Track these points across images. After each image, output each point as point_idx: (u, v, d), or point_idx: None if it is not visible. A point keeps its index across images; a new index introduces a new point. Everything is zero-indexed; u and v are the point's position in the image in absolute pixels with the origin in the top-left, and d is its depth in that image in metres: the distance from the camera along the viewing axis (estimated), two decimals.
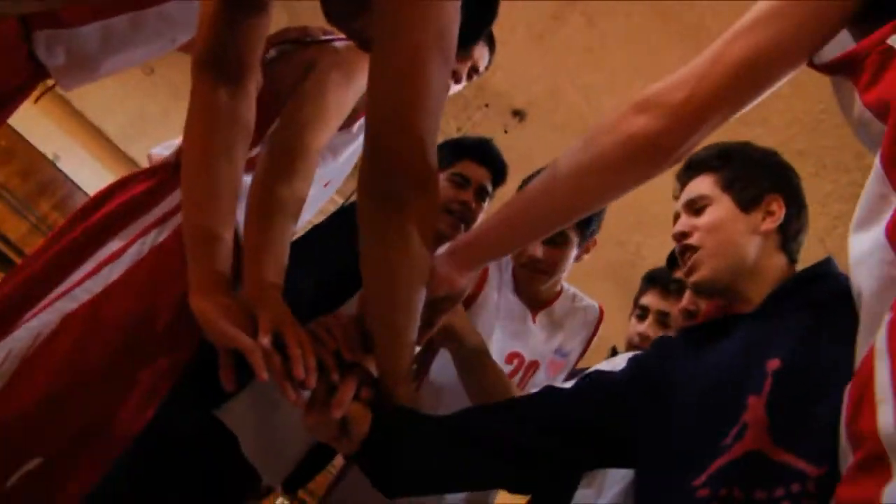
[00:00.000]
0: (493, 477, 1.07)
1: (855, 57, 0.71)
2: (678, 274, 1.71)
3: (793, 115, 2.97)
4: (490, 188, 1.68)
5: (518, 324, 1.63)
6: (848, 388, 0.54)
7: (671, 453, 0.96)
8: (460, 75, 1.64)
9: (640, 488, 1.03)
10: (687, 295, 1.74)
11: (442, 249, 1.02)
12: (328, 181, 1.37)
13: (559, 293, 1.71)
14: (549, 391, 1.09)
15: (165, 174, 1.22)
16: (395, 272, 0.91)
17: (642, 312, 1.73)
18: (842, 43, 0.78)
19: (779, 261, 1.07)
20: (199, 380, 1.12)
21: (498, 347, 1.56)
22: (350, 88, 1.20)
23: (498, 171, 1.69)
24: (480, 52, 1.66)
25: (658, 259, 4.03)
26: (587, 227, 1.54)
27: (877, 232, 0.60)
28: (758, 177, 1.10)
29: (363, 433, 0.96)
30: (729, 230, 1.07)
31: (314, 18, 1.11)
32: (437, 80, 0.82)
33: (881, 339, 0.50)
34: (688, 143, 0.84)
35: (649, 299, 1.73)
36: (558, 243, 1.52)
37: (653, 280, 1.74)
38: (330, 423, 0.94)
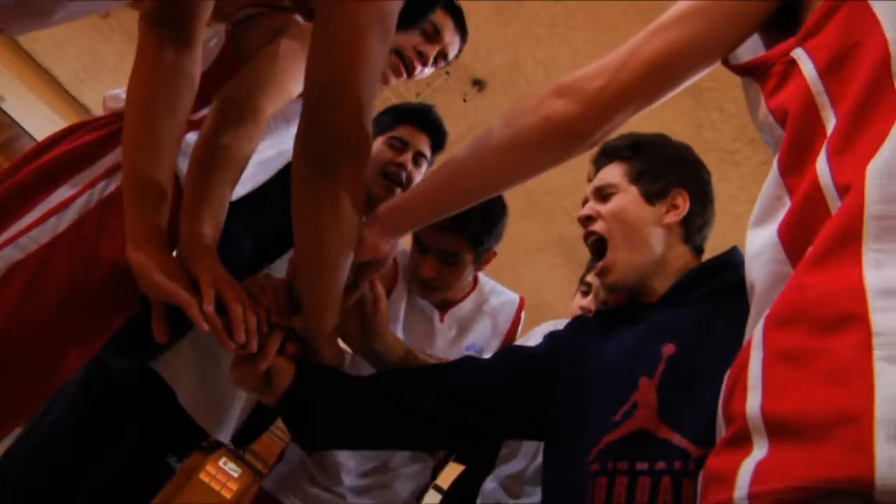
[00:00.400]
0: (408, 438, 1.11)
1: (763, 63, 0.75)
2: (589, 277, 1.77)
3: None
4: (428, 154, 1.70)
5: (426, 324, 1.64)
6: (728, 373, 0.59)
7: (572, 430, 1.01)
8: (427, 58, 1.60)
9: (545, 462, 1.08)
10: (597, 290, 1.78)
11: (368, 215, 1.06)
12: (281, 149, 1.38)
13: (470, 291, 1.71)
14: (468, 361, 1.13)
15: (117, 123, 1.20)
16: (324, 235, 0.94)
17: (587, 289, 1.80)
18: (755, 45, 0.83)
19: (682, 253, 1.11)
20: (135, 331, 1.13)
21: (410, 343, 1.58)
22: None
23: (437, 138, 1.71)
24: (451, 38, 1.62)
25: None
26: (480, 247, 1.53)
27: (770, 230, 0.64)
28: (666, 170, 1.14)
29: (285, 385, 1.00)
30: (632, 220, 1.10)
31: None
32: (376, 53, 0.85)
33: (758, 332, 0.54)
34: (601, 130, 0.89)
35: (591, 277, 1.78)
36: (450, 263, 1.53)
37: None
38: (255, 374, 0.98)
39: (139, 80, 1.06)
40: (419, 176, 1.67)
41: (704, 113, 3.35)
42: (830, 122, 0.62)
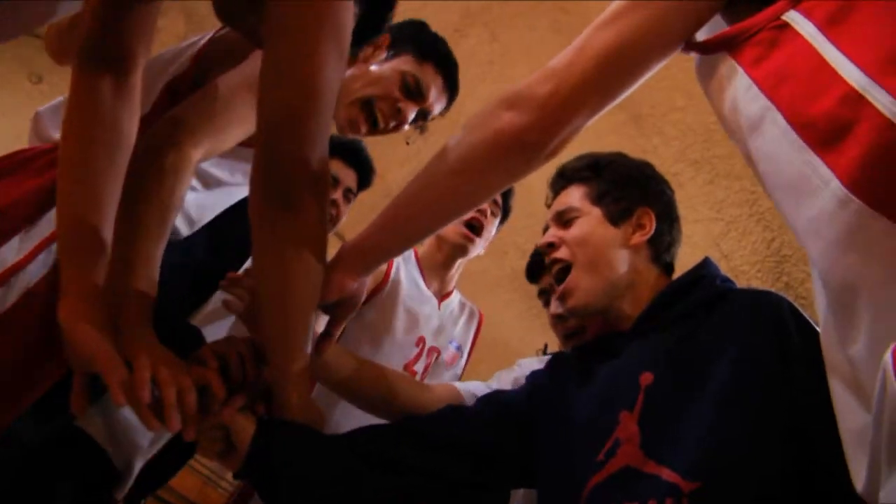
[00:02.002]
0: (392, 499, 1.03)
1: (743, 32, 0.70)
2: (553, 310, 1.76)
3: (687, 126, 3.09)
4: (355, 190, 1.69)
5: (427, 309, 1.69)
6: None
7: (558, 474, 0.96)
8: (405, 116, 1.40)
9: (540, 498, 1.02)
10: (553, 302, 1.78)
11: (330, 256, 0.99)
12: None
13: (453, 289, 1.80)
14: (451, 411, 1.07)
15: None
16: (289, 274, 0.88)
17: (545, 297, 1.79)
18: (715, 25, 0.79)
19: (651, 274, 1.06)
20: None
21: (404, 332, 1.62)
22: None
23: (365, 174, 1.71)
24: (438, 98, 1.46)
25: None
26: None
27: (824, 200, 0.57)
28: (629, 189, 1.09)
29: (246, 446, 0.91)
30: (598, 244, 1.05)
31: (214, 21, 1.04)
32: (331, 81, 0.80)
33: None
34: (557, 138, 0.83)
35: (544, 284, 1.79)
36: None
37: (531, 276, 1.78)
38: (213, 436, 0.90)
39: (74, 120, 0.96)
40: (346, 213, 1.64)
41: (646, 139, 3.39)
42: (844, 68, 0.58)
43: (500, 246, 4.29)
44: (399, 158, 3.70)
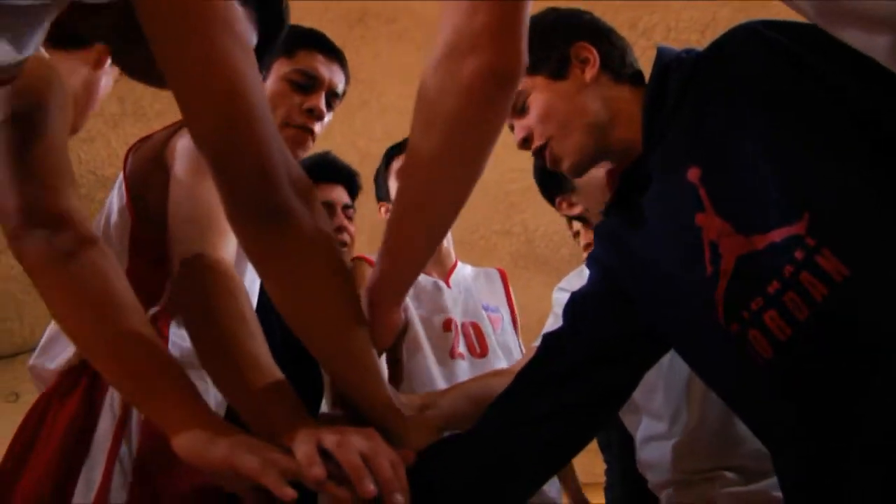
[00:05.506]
0: (550, 451, 0.95)
1: None
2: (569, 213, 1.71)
3: None
4: (352, 202, 1.63)
5: (436, 294, 1.64)
6: None
7: (682, 317, 0.89)
8: (320, 110, 1.33)
9: (684, 356, 0.96)
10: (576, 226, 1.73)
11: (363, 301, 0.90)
12: None
13: (456, 260, 1.75)
14: (548, 341, 1.00)
15: (84, 378, 1.02)
16: (303, 289, 0.79)
17: (579, 238, 1.76)
18: None
19: (623, 92, 1.00)
20: None
21: (430, 323, 1.57)
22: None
23: (352, 183, 1.66)
24: (331, 72, 1.36)
25: (545, 221, 4.02)
26: None
27: None
28: (550, 40, 1.02)
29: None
30: (558, 106, 0.99)
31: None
32: (248, 72, 0.72)
33: None
34: (524, 51, 0.75)
35: (575, 226, 1.76)
36: None
37: (550, 199, 1.68)
38: None
39: (58, 304, 0.84)
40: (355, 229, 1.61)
41: None
42: None
43: (506, 226, 4.19)
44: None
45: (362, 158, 2.81)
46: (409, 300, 1.55)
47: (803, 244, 0.73)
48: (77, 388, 1.02)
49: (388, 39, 2.90)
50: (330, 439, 0.70)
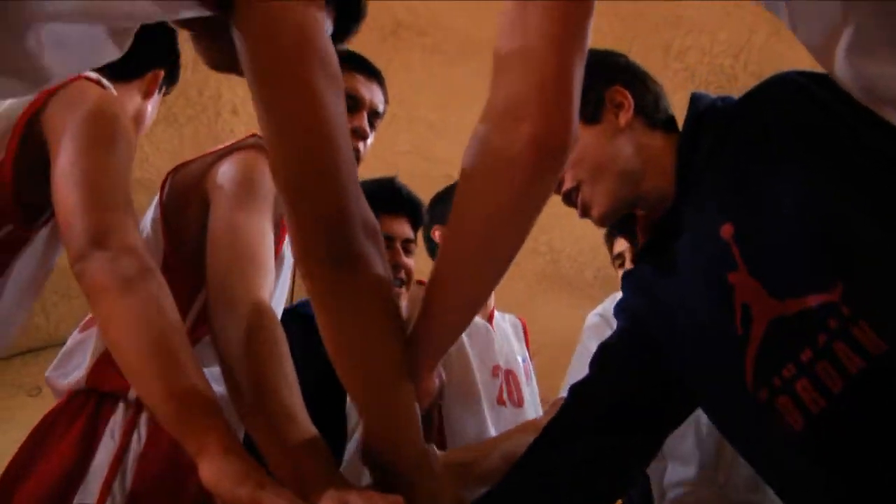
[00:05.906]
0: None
1: None
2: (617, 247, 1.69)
3: None
4: (413, 237, 1.52)
5: (485, 337, 1.58)
6: None
7: (710, 374, 0.87)
8: (364, 131, 1.31)
9: (708, 413, 0.94)
10: (618, 243, 1.73)
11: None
12: None
13: (493, 305, 1.69)
14: (576, 390, 0.99)
15: (90, 404, 1.04)
16: (368, 337, 0.77)
17: (621, 260, 1.75)
18: None
19: (656, 139, 0.98)
20: None
21: (480, 365, 1.51)
22: (265, 214, 1.01)
23: (416, 215, 1.54)
24: (370, 93, 1.34)
25: (570, 242, 3.99)
26: None
27: None
28: (587, 83, 1.00)
29: None
30: (591, 151, 0.97)
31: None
32: (337, 117, 0.72)
33: None
34: (574, 119, 0.71)
35: (618, 247, 1.75)
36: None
37: (610, 230, 1.72)
38: None
39: (112, 329, 0.84)
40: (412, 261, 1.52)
41: None
42: None
43: (531, 245, 4.16)
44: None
45: (389, 171, 2.82)
46: (465, 338, 1.50)
47: (838, 312, 0.71)
48: (81, 413, 1.04)
49: (420, 52, 2.91)
50: (356, 501, 0.69)
